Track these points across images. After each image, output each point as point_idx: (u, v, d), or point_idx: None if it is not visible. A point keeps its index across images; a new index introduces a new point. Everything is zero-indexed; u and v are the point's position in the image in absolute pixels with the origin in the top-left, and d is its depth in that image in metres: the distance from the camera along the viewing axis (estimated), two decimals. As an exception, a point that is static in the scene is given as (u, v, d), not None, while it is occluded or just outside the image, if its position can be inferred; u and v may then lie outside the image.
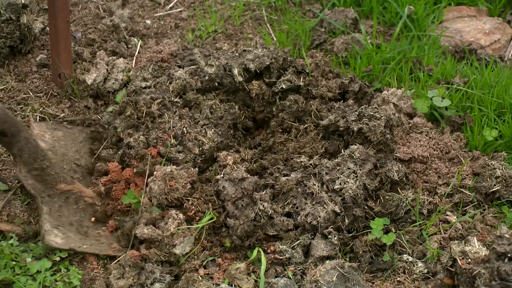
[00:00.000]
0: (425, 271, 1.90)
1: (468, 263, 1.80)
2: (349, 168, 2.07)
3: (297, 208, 2.03)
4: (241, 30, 3.10)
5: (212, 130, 2.29)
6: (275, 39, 3.04)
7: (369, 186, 2.07)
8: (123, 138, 2.24)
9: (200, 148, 2.20)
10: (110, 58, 2.69)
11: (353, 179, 2.05)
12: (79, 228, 2.03)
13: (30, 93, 2.54)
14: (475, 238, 1.92)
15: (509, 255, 1.73)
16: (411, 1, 3.19)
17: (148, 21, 3.08)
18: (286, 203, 2.05)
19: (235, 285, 1.84)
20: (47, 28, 2.75)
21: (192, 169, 2.09)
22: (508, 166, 2.26)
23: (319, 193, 2.03)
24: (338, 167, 2.09)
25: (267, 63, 2.46)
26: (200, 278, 1.83)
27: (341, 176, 2.05)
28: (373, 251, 1.96)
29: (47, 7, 2.58)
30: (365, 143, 2.18)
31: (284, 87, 2.45)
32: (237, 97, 2.47)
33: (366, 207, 2.05)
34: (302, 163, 2.15)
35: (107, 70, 2.60)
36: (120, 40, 2.87)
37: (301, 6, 3.32)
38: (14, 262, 1.86)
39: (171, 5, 3.23)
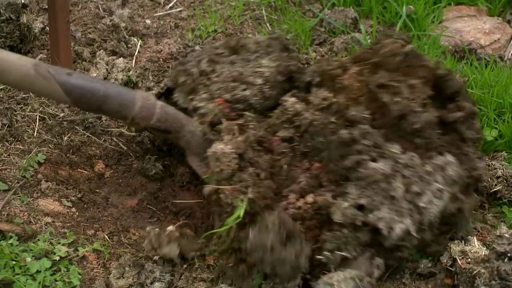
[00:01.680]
0: (426, 271, 1.90)
1: (468, 262, 1.80)
2: (436, 182, 1.82)
3: (373, 203, 1.77)
4: (241, 30, 3.10)
5: (266, 58, 2.21)
6: (275, 38, 3.04)
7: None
8: (188, 107, 2.16)
9: (262, 78, 2.14)
10: (110, 57, 2.69)
11: (438, 198, 1.81)
12: None
13: (30, 92, 2.53)
14: (475, 237, 1.92)
15: (509, 254, 1.73)
16: (410, 1, 3.19)
17: (148, 21, 3.08)
18: (364, 193, 1.79)
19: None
20: (47, 28, 2.75)
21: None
22: (509, 166, 2.26)
23: (400, 201, 1.78)
24: (428, 177, 1.82)
25: None
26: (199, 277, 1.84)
27: (428, 192, 1.80)
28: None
29: (47, 6, 2.57)
30: None
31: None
32: None
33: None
34: (394, 156, 1.84)
35: (107, 69, 2.60)
36: (120, 40, 2.87)
37: (301, 6, 3.32)
38: (14, 262, 1.86)
39: (171, 4, 3.23)
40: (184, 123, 2.04)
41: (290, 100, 2.01)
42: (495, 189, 2.17)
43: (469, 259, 1.81)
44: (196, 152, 2.05)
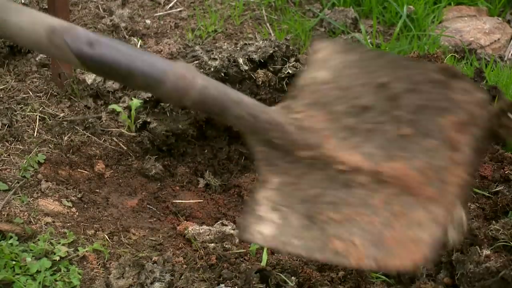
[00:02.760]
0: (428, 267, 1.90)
1: (468, 262, 1.80)
2: None
3: None
4: (241, 30, 3.10)
5: None
6: (274, 37, 3.04)
7: None
8: None
9: None
10: (110, 57, 2.69)
11: None
12: (309, 211, 1.41)
13: (30, 92, 2.53)
14: (475, 237, 1.92)
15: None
16: (411, 1, 3.19)
17: (148, 21, 3.08)
18: None
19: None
20: (47, 28, 2.75)
21: None
22: (508, 166, 2.26)
23: None
24: None
25: (271, 51, 2.48)
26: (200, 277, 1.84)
27: None
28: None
29: (46, 6, 2.57)
30: None
31: (290, 72, 2.46)
32: (243, 86, 2.48)
33: None
34: None
35: (107, 69, 2.59)
36: (120, 40, 2.87)
37: (301, 6, 3.32)
38: (14, 262, 1.86)
39: (171, 4, 3.23)
40: (228, 105, 1.54)
41: None
42: (496, 190, 2.17)
43: (469, 259, 1.81)
44: (250, 132, 1.52)
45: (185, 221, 2.30)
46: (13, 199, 2.10)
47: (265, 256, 1.91)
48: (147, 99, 2.46)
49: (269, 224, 1.36)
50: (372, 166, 1.43)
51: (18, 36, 1.58)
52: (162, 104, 2.49)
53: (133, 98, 2.54)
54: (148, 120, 2.43)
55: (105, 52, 1.55)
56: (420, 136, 1.43)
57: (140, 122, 2.45)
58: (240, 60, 2.46)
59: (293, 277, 1.84)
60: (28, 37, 1.57)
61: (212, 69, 2.44)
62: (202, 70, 2.47)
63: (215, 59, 2.49)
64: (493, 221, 1.96)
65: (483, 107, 1.45)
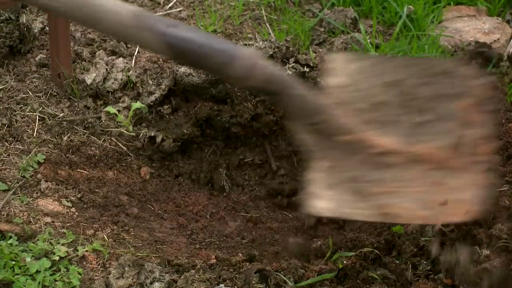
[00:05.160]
0: (428, 268, 1.90)
1: (467, 262, 1.80)
2: None
3: None
4: (240, 30, 3.10)
5: None
6: (274, 38, 3.04)
7: None
8: None
9: None
10: (110, 57, 2.69)
11: None
12: (355, 187, 1.67)
13: (30, 92, 2.53)
14: (474, 237, 1.92)
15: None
16: (410, 1, 3.19)
17: (148, 21, 3.08)
18: None
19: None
20: (47, 28, 2.75)
21: None
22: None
23: None
24: None
25: (270, 52, 2.48)
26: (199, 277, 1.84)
27: None
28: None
29: (46, 6, 2.57)
30: None
31: (290, 73, 2.46)
32: None
33: None
34: None
35: (106, 69, 2.60)
36: (120, 40, 2.87)
37: (301, 6, 3.32)
38: (13, 262, 1.86)
39: (170, 4, 3.23)
40: (286, 85, 1.73)
41: None
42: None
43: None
44: (298, 117, 1.74)
45: (185, 221, 2.30)
46: (12, 199, 2.10)
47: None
48: (151, 103, 2.47)
49: (327, 199, 1.61)
50: (404, 147, 1.67)
51: (106, 19, 1.63)
52: (160, 108, 2.49)
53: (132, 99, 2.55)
54: (153, 134, 2.44)
55: (186, 33, 1.68)
56: (440, 121, 1.68)
57: (147, 138, 2.44)
58: (240, 60, 2.46)
59: (292, 277, 1.84)
60: (117, 19, 1.64)
61: (211, 69, 2.44)
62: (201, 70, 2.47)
63: (215, 59, 2.49)
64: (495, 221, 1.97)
65: (491, 89, 1.72)
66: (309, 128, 1.70)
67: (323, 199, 1.63)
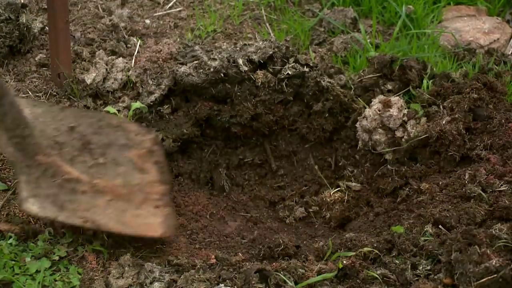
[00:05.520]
0: (428, 267, 1.90)
1: (467, 262, 1.80)
2: None
3: None
4: (240, 30, 3.10)
5: None
6: (274, 38, 3.04)
7: None
8: None
9: None
10: (110, 57, 2.69)
11: None
12: (55, 201, 1.99)
13: (30, 92, 2.53)
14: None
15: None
16: (410, 1, 3.19)
17: (148, 21, 3.07)
18: None
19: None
20: (46, 28, 2.75)
21: None
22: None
23: None
24: None
25: (270, 52, 2.48)
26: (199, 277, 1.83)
27: None
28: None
29: (46, 6, 2.57)
30: None
31: (290, 73, 2.46)
32: (243, 87, 2.48)
33: None
34: None
35: (106, 69, 2.59)
36: (119, 40, 2.87)
37: (300, 6, 3.32)
38: (13, 262, 1.86)
39: (170, 4, 3.23)
40: (7, 92, 1.94)
41: None
42: (499, 189, 2.17)
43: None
44: (8, 127, 1.96)
45: (185, 221, 2.30)
46: (12, 199, 2.10)
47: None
48: (151, 103, 2.47)
49: (34, 204, 1.94)
50: (88, 179, 2.08)
51: None
52: (160, 108, 2.49)
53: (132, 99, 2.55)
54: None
55: None
56: (113, 164, 2.16)
57: None
58: (240, 61, 2.46)
59: (292, 277, 1.84)
60: None
61: (211, 70, 2.44)
62: (201, 70, 2.46)
63: (214, 59, 2.48)
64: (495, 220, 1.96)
65: (156, 143, 2.27)
66: (14, 142, 1.99)
67: (32, 204, 1.94)
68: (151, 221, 2.04)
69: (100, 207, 2.04)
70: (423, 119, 2.46)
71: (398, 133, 2.44)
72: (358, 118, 2.53)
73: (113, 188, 2.10)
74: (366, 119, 2.47)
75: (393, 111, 2.44)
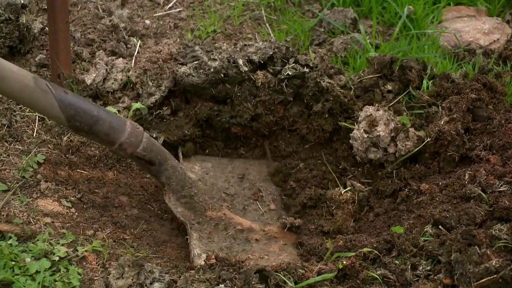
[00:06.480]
0: (428, 268, 1.90)
1: (467, 262, 1.80)
2: None
3: None
4: (240, 30, 3.10)
5: None
6: (274, 39, 3.04)
7: None
8: None
9: None
10: (109, 58, 2.69)
11: None
12: (229, 253, 2.09)
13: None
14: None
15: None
16: (410, 1, 3.19)
17: (147, 21, 3.08)
18: None
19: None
20: (46, 28, 2.75)
21: None
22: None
23: None
24: None
25: (270, 53, 2.49)
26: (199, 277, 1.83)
27: None
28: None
29: (46, 7, 2.57)
30: None
31: (290, 73, 2.46)
32: (243, 87, 2.48)
33: None
34: None
35: (106, 70, 2.60)
36: (119, 40, 2.87)
37: (300, 6, 3.32)
38: (13, 262, 1.86)
39: (170, 5, 3.23)
40: (168, 157, 2.06)
41: None
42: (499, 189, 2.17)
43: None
44: (175, 189, 2.09)
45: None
46: (12, 199, 2.10)
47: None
48: (151, 105, 2.47)
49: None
50: (260, 226, 2.23)
51: (6, 78, 1.74)
52: (160, 111, 2.49)
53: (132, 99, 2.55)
54: (154, 136, 2.44)
55: (78, 99, 1.90)
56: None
57: None
58: (240, 61, 2.46)
59: (292, 277, 1.84)
60: (17, 80, 1.75)
61: (211, 70, 2.44)
62: (202, 70, 2.47)
63: (214, 59, 2.49)
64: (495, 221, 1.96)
65: None
66: (183, 202, 2.10)
67: (202, 259, 2.00)
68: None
69: (274, 253, 2.14)
70: (411, 130, 2.43)
71: (391, 149, 2.43)
72: (350, 135, 2.51)
73: (284, 234, 2.22)
74: (356, 141, 2.45)
75: (380, 129, 2.42)
